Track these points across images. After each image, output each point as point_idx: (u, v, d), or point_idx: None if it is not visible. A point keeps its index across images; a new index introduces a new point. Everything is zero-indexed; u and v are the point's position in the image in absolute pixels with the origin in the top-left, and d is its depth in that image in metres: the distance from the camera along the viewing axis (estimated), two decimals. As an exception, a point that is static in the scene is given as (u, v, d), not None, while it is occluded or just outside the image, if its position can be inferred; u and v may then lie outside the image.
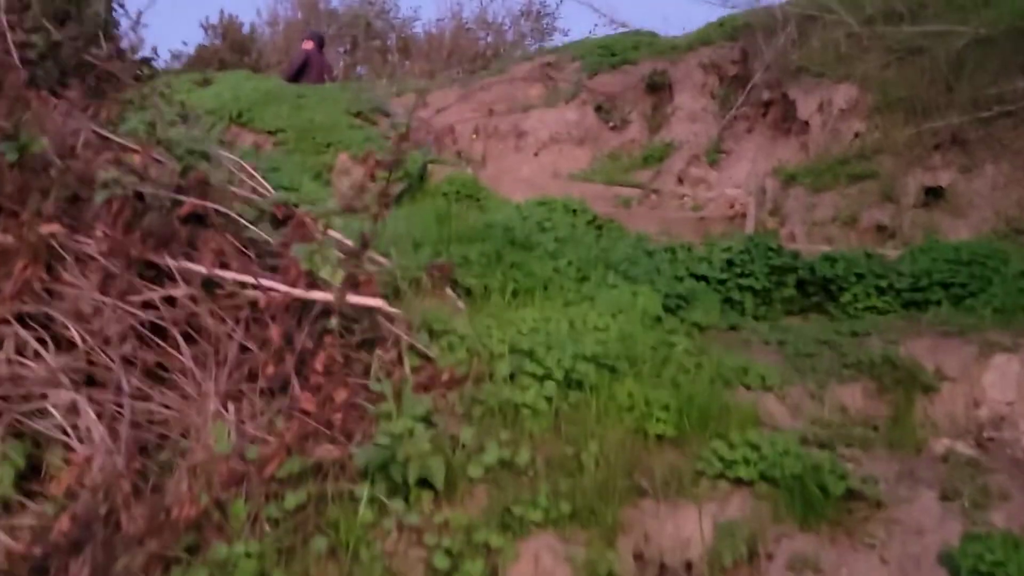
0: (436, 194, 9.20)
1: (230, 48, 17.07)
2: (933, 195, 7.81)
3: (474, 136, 11.48)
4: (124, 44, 12.83)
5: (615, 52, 12.15)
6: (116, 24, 13.07)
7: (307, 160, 9.48)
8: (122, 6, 12.72)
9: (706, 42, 11.73)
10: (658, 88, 11.64)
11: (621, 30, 13.64)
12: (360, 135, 10.09)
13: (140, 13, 12.20)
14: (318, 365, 3.50)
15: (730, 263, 6.06)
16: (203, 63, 14.94)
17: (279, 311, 3.70)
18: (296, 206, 4.88)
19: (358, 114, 10.90)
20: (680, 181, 9.55)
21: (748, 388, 4.06)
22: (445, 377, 3.92)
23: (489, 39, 22.14)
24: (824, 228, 8.03)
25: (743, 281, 5.98)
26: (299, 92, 11.21)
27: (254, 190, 5.04)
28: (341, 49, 22.06)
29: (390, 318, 4.13)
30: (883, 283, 5.98)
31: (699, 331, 5.04)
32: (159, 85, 10.30)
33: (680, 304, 5.19)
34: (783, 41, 10.43)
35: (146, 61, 11.72)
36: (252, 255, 4.18)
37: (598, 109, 11.53)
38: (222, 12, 17.69)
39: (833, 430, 3.87)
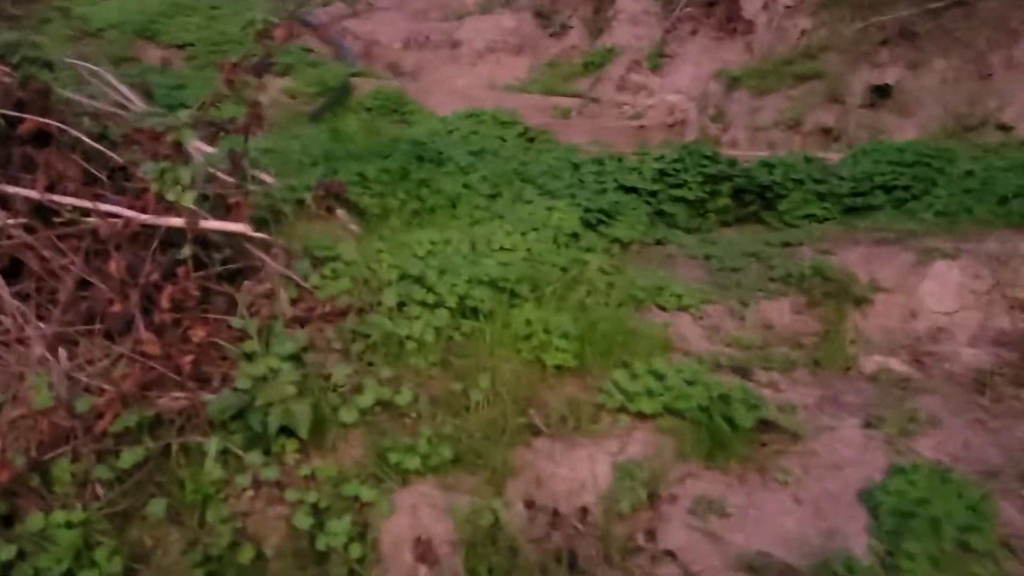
0: (359, 110, 8.67)
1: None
2: (880, 93, 7.44)
3: (401, 46, 10.87)
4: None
5: (551, -49, 11.50)
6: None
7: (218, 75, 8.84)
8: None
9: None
10: (599, -11, 11.08)
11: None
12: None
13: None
14: (164, 301, 3.08)
15: (662, 173, 5.67)
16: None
17: (123, 240, 3.26)
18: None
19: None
20: (620, 89, 9.08)
21: (663, 309, 3.71)
22: (325, 309, 3.53)
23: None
24: (768, 133, 7.66)
25: (675, 192, 5.61)
26: (212, 4, 10.49)
27: (122, 106, 4.54)
28: None
29: (265, 245, 3.71)
30: (822, 188, 5.64)
31: (621, 248, 4.68)
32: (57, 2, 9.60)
33: (602, 219, 4.81)
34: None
35: None
36: (108, 179, 3.71)
37: (537, 15, 10.95)
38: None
39: (752, 352, 3.55)
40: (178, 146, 3.45)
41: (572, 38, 10.79)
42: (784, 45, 8.51)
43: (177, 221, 3.31)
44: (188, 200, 3.25)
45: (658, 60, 9.68)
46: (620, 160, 5.88)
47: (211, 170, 3.91)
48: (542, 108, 9.37)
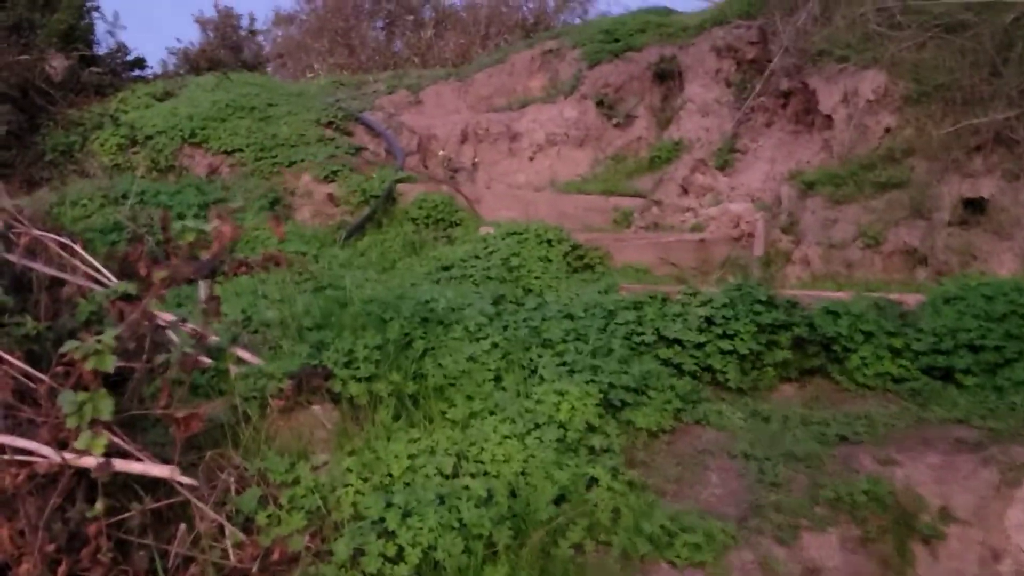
0: (404, 220, 8.32)
1: (223, 45, 16.30)
2: (972, 208, 6.65)
3: (459, 140, 10.51)
4: (100, 49, 12.10)
5: (618, 37, 11.03)
6: (91, 30, 12.29)
7: (264, 184, 8.65)
8: (97, 9, 11.87)
9: (720, 21, 10.53)
10: (667, 77, 10.53)
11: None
12: (326, 150, 9.21)
13: (117, 14, 11.38)
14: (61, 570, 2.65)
15: (709, 321, 5.08)
16: (191, 63, 14.22)
17: (31, 488, 2.86)
18: (131, 296, 3.98)
19: (329, 124, 10.03)
20: (684, 191, 8.49)
21: (673, 565, 3.09)
22: (272, 557, 3.05)
23: (530, 7, 21.15)
24: (845, 251, 6.93)
25: (725, 344, 5.00)
26: (269, 100, 10.37)
27: (91, 276, 4.24)
28: (378, 24, 21.40)
29: (210, 468, 3.27)
30: (897, 343, 4.94)
31: (648, 437, 4.09)
32: (112, 104, 9.62)
33: (627, 400, 4.22)
34: (804, 19, 9.23)
35: (135, 63, 10.93)
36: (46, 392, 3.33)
37: (600, 104, 10.47)
38: (217, 4, 16.88)
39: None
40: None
41: (638, 129, 10.26)
42: (865, 145, 7.79)
43: (89, 462, 2.89)
44: (99, 447, 2.83)
45: (728, 156, 9.05)
46: (663, 304, 5.30)
47: (187, 351, 3.53)
48: (602, 210, 8.86)
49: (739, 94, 9.85)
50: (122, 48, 12.64)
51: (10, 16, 10.48)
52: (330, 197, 8.60)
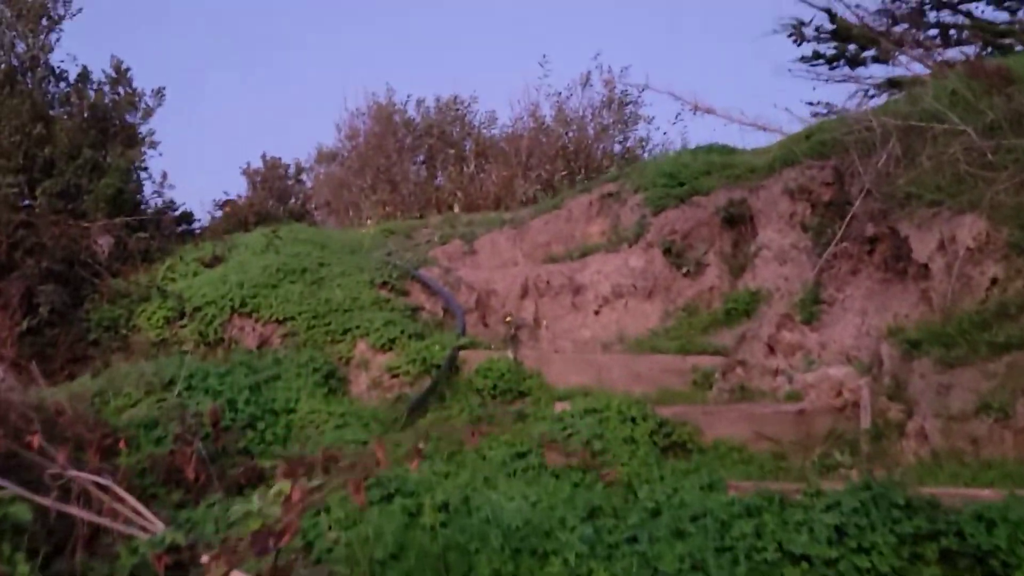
0: (468, 391, 7.79)
1: (270, 195, 16.31)
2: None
3: (519, 294, 10.08)
4: (148, 208, 12.01)
5: (682, 180, 10.67)
6: (139, 190, 12.21)
7: (318, 355, 8.22)
8: (145, 169, 11.83)
9: (790, 161, 10.14)
10: (737, 221, 10.10)
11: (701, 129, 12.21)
12: (382, 316, 8.79)
13: (165, 175, 11.25)
14: None
15: (840, 531, 4.41)
16: (238, 217, 14.14)
17: None
18: (182, 546, 3.48)
19: (384, 284, 9.66)
20: (771, 350, 7.89)
21: None
22: None
23: (570, 135, 21.15)
24: (967, 424, 6.23)
25: (861, 560, 4.32)
26: (321, 259, 10.08)
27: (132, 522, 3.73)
28: (419, 159, 21.53)
29: None
30: (1072, 559, 4.21)
31: None
32: (159, 272, 9.35)
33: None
34: (884, 159, 8.79)
35: (182, 219, 10.77)
36: None
37: (667, 252, 10.02)
38: (264, 156, 17.01)
39: None
40: None
41: (709, 278, 9.76)
42: (970, 298, 7.19)
43: None
44: None
45: (813, 308, 8.48)
46: (782, 509, 4.66)
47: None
48: (680, 371, 8.27)
49: (817, 239, 9.35)
50: (170, 205, 12.59)
51: (58, 182, 10.41)
52: (389, 369, 8.13)
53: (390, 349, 8.42)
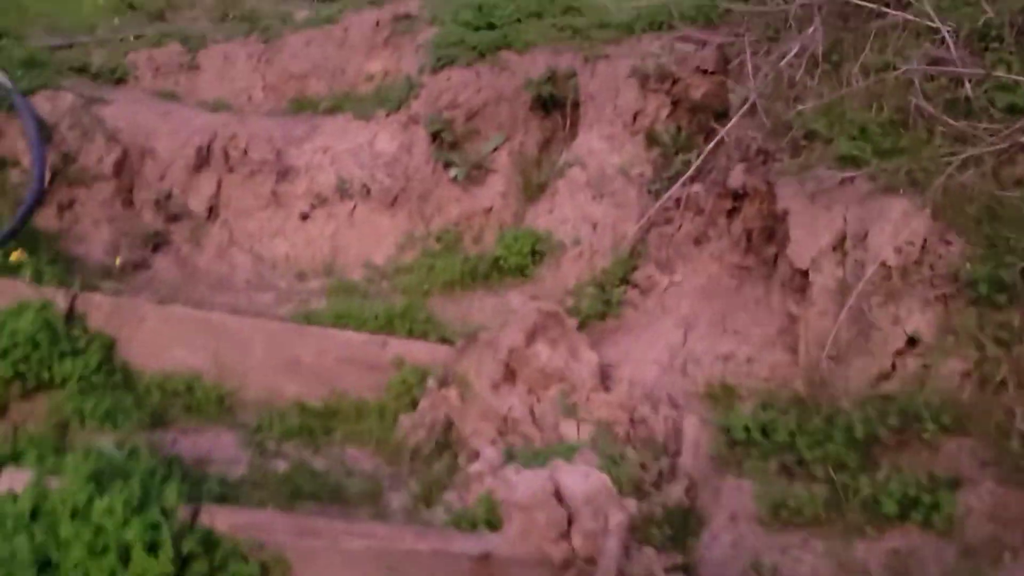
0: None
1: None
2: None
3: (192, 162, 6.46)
4: None
5: (493, 21, 6.93)
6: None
7: None
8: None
9: (659, 24, 6.52)
10: (556, 106, 6.54)
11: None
12: None
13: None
14: None
15: None
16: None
17: None
18: None
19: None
20: (508, 373, 4.59)
21: None
22: None
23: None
24: None
25: None
26: None
27: None
28: None
29: None
30: None
31: None
32: None
33: None
34: (794, 53, 5.28)
35: None
36: None
37: (436, 137, 6.47)
38: None
39: None
40: None
41: (490, 193, 6.07)
42: (868, 362, 4.01)
43: None
44: None
45: (617, 293, 5.19)
46: None
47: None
48: (373, 364, 4.96)
49: (662, 167, 5.92)
50: None
51: None
52: None
53: None
